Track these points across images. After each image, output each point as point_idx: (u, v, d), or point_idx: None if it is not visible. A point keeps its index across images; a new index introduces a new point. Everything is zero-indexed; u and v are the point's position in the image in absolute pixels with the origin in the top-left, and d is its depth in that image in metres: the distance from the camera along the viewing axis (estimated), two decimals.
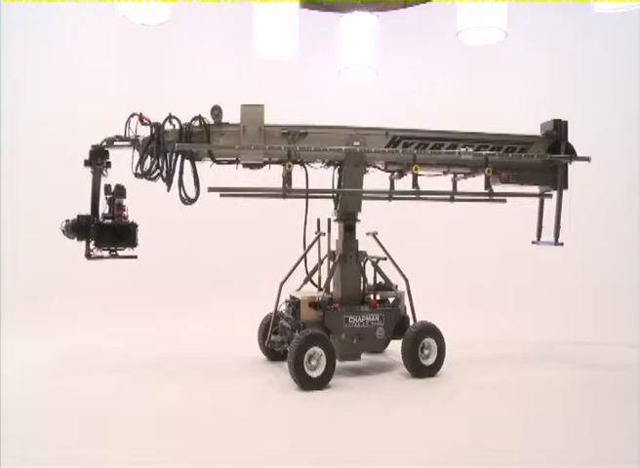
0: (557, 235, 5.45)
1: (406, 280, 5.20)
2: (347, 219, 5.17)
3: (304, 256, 5.38)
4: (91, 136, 4.92)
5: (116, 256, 4.89)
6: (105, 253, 4.86)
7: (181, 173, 4.77)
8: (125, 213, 4.90)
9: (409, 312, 5.20)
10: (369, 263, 5.28)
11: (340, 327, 4.86)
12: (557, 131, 5.39)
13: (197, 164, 4.88)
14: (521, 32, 7.52)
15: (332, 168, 5.30)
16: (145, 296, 7.29)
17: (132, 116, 4.77)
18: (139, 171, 4.77)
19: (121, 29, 7.09)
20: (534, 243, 5.83)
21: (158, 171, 4.74)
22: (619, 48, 7.82)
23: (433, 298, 6.19)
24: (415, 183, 5.05)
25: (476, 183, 5.34)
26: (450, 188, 5.48)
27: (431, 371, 4.93)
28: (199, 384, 4.70)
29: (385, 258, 5.31)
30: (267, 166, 5.10)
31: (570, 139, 5.41)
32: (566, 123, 5.42)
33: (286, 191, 4.88)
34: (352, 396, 4.43)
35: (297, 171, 4.92)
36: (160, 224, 6.87)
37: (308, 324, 4.79)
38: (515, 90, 8.38)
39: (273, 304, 5.26)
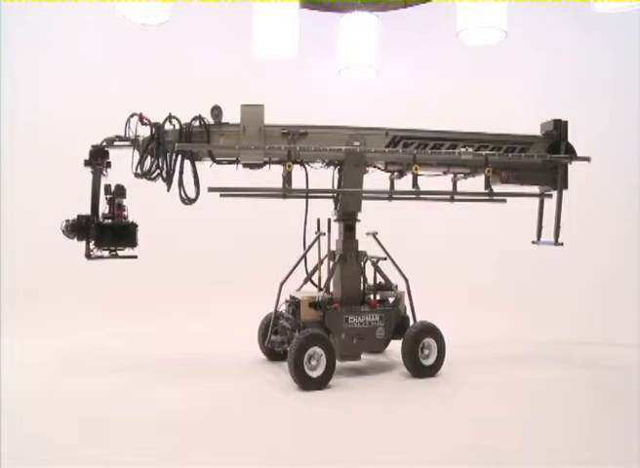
0: (557, 235, 5.45)
1: (406, 280, 5.20)
2: (347, 219, 5.17)
3: (304, 256, 5.38)
4: (91, 136, 4.92)
5: (116, 256, 4.89)
6: (105, 253, 4.86)
7: (181, 173, 4.77)
8: (125, 213, 4.90)
9: (409, 312, 5.19)
10: (369, 263, 5.28)
11: (340, 327, 4.86)
12: (557, 131, 5.39)
13: (197, 164, 4.88)
14: (521, 32, 7.53)
15: (332, 168, 5.29)
16: (145, 296, 7.29)
17: (132, 116, 4.77)
18: (139, 171, 4.77)
19: (121, 29, 7.09)
20: (534, 243, 5.83)
21: (158, 171, 4.74)
22: (619, 48, 7.83)
23: (433, 298, 6.18)
24: (415, 183, 5.05)
25: (476, 183, 5.34)
26: (450, 188, 5.48)
27: (431, 371, 4.93)
28: (199, 384, 4.70)
29: (385, 258, 5.31)
30: (267, 166, 5.10)
31: (570, 139, 5.41)
32: (566, 123, 5.42)
33: (286, 191, 4.88)
34: (352, 396, 4.43)
35: (297, 171, 4.92)
36: (160, 224, 6.87)
37: (308, 324, 4.79)
38: (515, 90, 8.38)
39: (273, 304, 5.26)
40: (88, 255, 4.80)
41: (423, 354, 4.92)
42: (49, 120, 7.63)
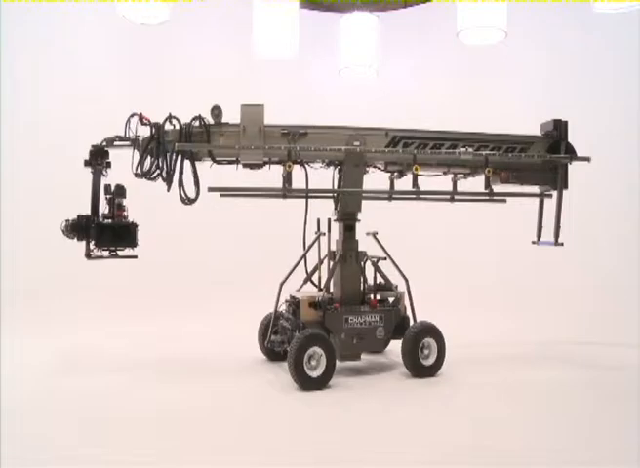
0: (557, 235, 5.45)
1: (406, 280, 5.20)
2: (347, 219, 5.17)
3: (304, 256, 5.38)
4: (91, 136, 4.92)
5: (116, 256, 4.89)
6: (105, 253, 4.86)
7: (181, 173, 4.77)
8: (125, 213, 4.90)
9: (409, 312, 5.20)
10: (369, 263, 5.28)
11: (340, 327, 4.86)
12: (557, 131, 5.39)
13: (197, 164, 4.88)
14: (521, 32, 7.53)
15: (332, 168, 5.30)
16: (145, 296, 7.29)
17: (132, 116, 4.77)
18: (139, 171, 4.77)
19: (121, 29, 7.09)
20: (534, 243, 5.83)
21: (158, 171, 4.74)
22: (619, 48, 7.83)
23: (433, 298, 6.18)
24: (415, 183, 5.05)
25: (476, 183, 5.34)
26: (450, 188, 5.48)
27: (431, 371, 4.93)
28: (199, 384, 4.70)
29: (385, 258, 5.31)
30: (267, 166, 5.10)
31: (570, 139, 5.41)
32: (566, 123, 5.42)
33: (286, 191, 4.88)
34: (352, 396, 4.43)
35: (297, 171, 4.92)
36: (160, 224, 6.87)
37: (308, 324, 4.79)
38: (515, 90, 8.38)
39: (273, 304, 5.26)
40: (88, 255, 4.80)
41: (423, 354, 4.92)
42: (49, 120, 7.63)
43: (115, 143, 4.86)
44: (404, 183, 5.31)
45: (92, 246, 4.79)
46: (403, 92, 8.79)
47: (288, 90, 8.39)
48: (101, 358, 5.54)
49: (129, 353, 5.73)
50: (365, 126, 5.07)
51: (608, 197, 7.77)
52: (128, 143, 4.85)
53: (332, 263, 5.21)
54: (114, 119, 4.97)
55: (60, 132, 7.56)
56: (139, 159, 4.77)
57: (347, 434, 3.64)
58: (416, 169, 4.99)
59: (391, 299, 5.23)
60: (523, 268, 7.92)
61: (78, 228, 4.75)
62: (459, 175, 5.55)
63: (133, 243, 4.86)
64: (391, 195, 5.36)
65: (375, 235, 5.38)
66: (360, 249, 5.21)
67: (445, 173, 5.52)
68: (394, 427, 3.77)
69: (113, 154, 4.92)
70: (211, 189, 4.69)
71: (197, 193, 4.80)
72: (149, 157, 4.74)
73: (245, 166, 5.06)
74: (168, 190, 4.75)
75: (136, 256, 4.90)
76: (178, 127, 4.75)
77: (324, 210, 5.31)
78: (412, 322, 5.12)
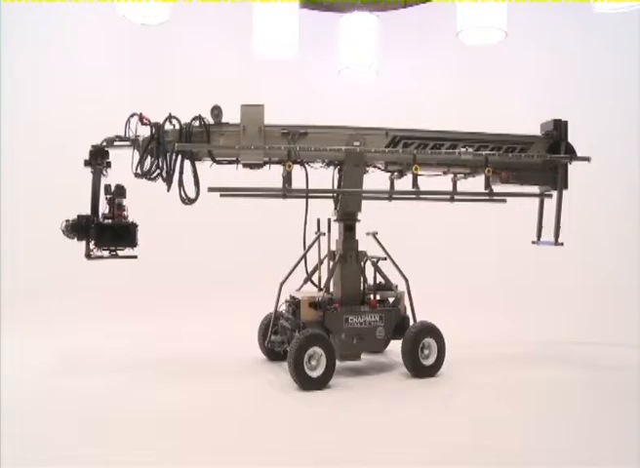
0: (557, 235, 5.45)
1: (406, 280, 5.20)
2: (347, 219, 5.17)
3: (304, 256, 5.38)
4: (91, 136, 4.92)
5: (116, 256, 4.89)
6: (105, 253, 4.86)
7: (181, 173, 4.77)
8: (125, 213, 4.90)
9: (409, 312, 5.20)
10: (369, 263, 5.28)
11: (340, 327, 4.86)
12: (557, 131, 5.39)
13: (197, 164, 4.88)
14: (521, 32, 7.52)
15: (332, 168, 5.30)
16: (145, 296, 7.29)
17: (132, 116, 4.77)
18: (139, 171, 4.77)
19: (121, 29, 7.09)
20: (534, 243, 5.83)
21: (158, 171, 4.74)
22: (619, 48, 7.82)
23: (433, 298, 6.18)
24: (415, 183, 5.05)
25: (476, 183, 5.34)
26: (450, 188, 5.48)
27: (431, 371, 4.93)
28: (199, 384, 4.70)
29: (385, 258, 5.31)
30: (267, 166, 5.10)
31: (570, 139, 5.41)
32: (566, 123, 5.42)
33: (286, 191, 4.88)
34: (352, 396, 4.43)
35: (297, 171, 4.92)
36: (160, 224, 6.87)
37: (308, 324, 4.79)
38: (515, 90, 8.38)
39: (273, 304, 5.26)
40: (88, 255, 4.80)
41: (423, 354, 4.92)
42: (49, 120, 7.63)
43: (115, 143, 4.86)
44: (404, 183, 5.31)
45: (92, 246, 4.79)
46: (403, 92, 8.79)
47: (288, 90, 8.39)
48: (101, 358, 5.54)
49: (129, 353, 5.73)
50: (365, 126, 5.06)
51: (608, 197, 7.77)
52: (128, 143, 4.84)
53: (332, 263, 5.21)
54: (114, 119, 4.97)
55: (60, 132, 7.56)
56: (139, 159, 4.77)
57: (347, 434, 3.64)
58: (416, 169, 4.99)
59: (391, 299, 5.23)
60: (523, 268, 7.92)
61: (78, 228, 4.75)
62: (459, 175, 5.55)
63: (133, 243, 4.86)
64: (391, 195, 5.36)
65: (375, 235, 5.38)
66: (360, 249, 5.21)
67: (445, 173, 5.52)
68: (394, 427, 3.77)
69: (113, 154, 4.92)
70: (211, 189, 4.69)
71: (197, 193, 4.80)
72: (149, 157, 4.74)
73: (245, 166, 5.06)
74: (168, 190, 4.75)
75: (136, 256, 4.90)
76: (178, 127, 4.75)
77: (324, 210, 5.31)
78: (412, 322, 5.12)
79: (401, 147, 5.07)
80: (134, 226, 4.87)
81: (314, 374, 4.53)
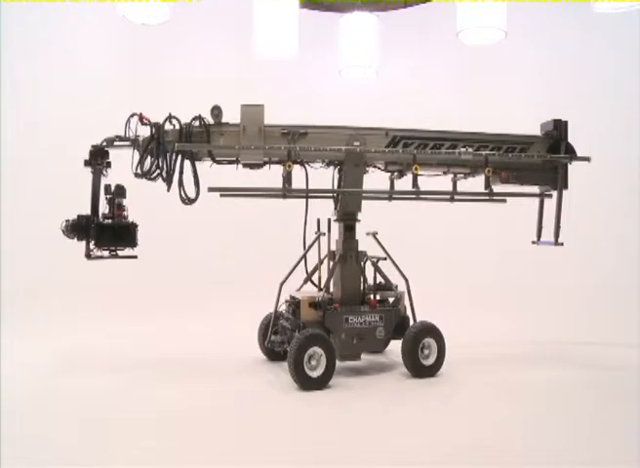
0: (557, 235, 5.45)
1: (406, 280, 5.20)
2: (347, 219, 5.17)
3: (304, 256, 5.38)
4: (91, 135, 4.92)
5: (116, 256, 4.89)
6: (105, 253, 4.86)
7: (181, 173, 4.77)
8: (125, 213, 4.90)
9: (409, 312, 5.20)
10: (369, 263, 5.28)
11: (340, 327, 4.86)
12: (557, 131, 5.39)
13: (197, 164, 4.88)
14: (521, 32, 7.52)
15: (332, 168, 5.29)
16: (145, 296, 7.29)
17: (132, 116, 4.78)
18: (139, 171, 4.78)
19: (121, 29, 7.08)
20: (534, 243, 5.83)
21: (158, 171, 4.74)
22: (619, 48, 7.82)
23: (433, 298, 6.18)
24: (415, 183, 5.05)
25: (476, 183, 5.34)
26: (450, 188, 5.48)
27: (431, 371, 4.93)
28: (199, 384, 4.70)
29: (385, 258, 5.31)
30: (267, 166, 5.10)
31: (570, 139, 5.41)
32: (566, 123, 5.42)
33: (286, 191, 4.88)
34: (352, 396, 4.43)
35: (297, 171, 4.92)
36: (160, 224, 6.87)
37: (308, 324, 4.79)
38: (515, 90, 8.38)
39: (273, 304, 5.26)
40: (88, 255, 4.80)
41: (423, 354, 4.92)
42: (49, 120, 7.62)
43: (115, 143, 4.86)
44: (404, 183, 5.31)
45: (92, 246, 4.79)
46: (403, 92, 8.78)
47: (288, 90, 8.39)
48: (101, 358, 5.55)
49: (129, 353, 5.73)
50: (365, 126, 5.07)
51: (608, 197, 7.77)
52: (128, 143, 4.85)
53: (332, 263, 5.21)
54: (114, 119, 4.97)
55: (60, 132, 7.55)
56: (139, 159, 4.77)
57: (347, 434, 3.64)
58: (416, 169, 4.99)
59: (391, 299, 5.23)
60: (523, 268, 7.92)
61: (78, 228, 4.75)
62: (459, 175, 5.55)
63: (133, 243, 4.86)
64: (391, 195, 5.36)
65: (375, 235, 5.38)
66: (360, 249, 5.21)
67: (445, 173, 5.52)
68: (394, 427, 3.77)
69: (113, 154, 4.92)
70: (211, 189, 4.69)
71: (197, 193, 4.80)
72: (149, 157, 4.74)
73: (245, 166, 5.06)
74: (168, 190, 4.75)
75: (136, 256, 4.90)
76: (178, 127, 4.75)
77: (324, 210, 5.31)
78: (412, 322, 5.12)
79: (401, 147, 5.07)
80: (134, 226, 4.87)
81: (314, 374, 4.53)
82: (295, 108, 6.42)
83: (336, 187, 5.30)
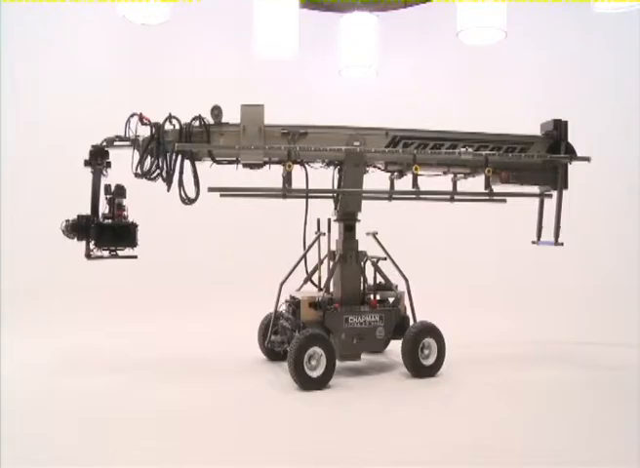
0: (557, 235, 5.45)
1: (406, 280, 5.20)
2: (347, 219, 5.17)
3: (304, 256, 5.38)
4: (91, 135, 4.92)
5: (116, 256, 4.89)
6: (105, 253, 4.86)
7: (181, 173, 4.77)
8: (125, 213, 4.90)
9: (409, 312, 5.20)
10: (369, 263, 5.28)
11: (340, 327, 4.86)
12: (557, 131, 5.39)
13: (197, 164, 4.88)
14: (521, 32, 7.52)
15: (332, 168, 5.29)
16: (145, 296, 7.29)
17: (132, 116, 4.78)
18: (139, 171, 4.78)
19: (121, 29, 7.08)
20: (534, 243, 5.83)
21: (158, 171, 4.74)
22: (619, 48, 7.82)
23: (433, 298, 6.18)
24: (415, 183, 5.05)
25: (476, 183, 5.34)
26: (450, 188, 5.48)
27: (431, 371, 4.93)
28: (199, 384, 4.70)
29: (385, 258, 5.31)
30: (267, 166, 5.10)
31: (570, 139, 5.41)
32: (566, 123, 5.42)
33: (286, 191, 4.88)
34: (352, 396, 4.43)
35: (297, 171, 4.92)
36: (160, 224, 6.87)
37: (308, 324, 4.79)
38: (515, 90, 8.38)
39: (273, 304, 5.26)
40: (88, 255, 4.80)
41: (423, 354, 4.92)
42: (49, 120, 7.62)
43: (115, 143, 4.86)
44: (404, 183, 5.31)
45: (92, 246, 4.79)
46: (403, 92, 8.78)
47: (288, 90, 8.39)
48: (101, 358, 5.55)
49: (129, 353, 5.73)
50: (365, 126, 5.07)
51: (608, 197, 7.77)
52: (128, 143, 4.85)
53: (332, 263, 5.21)
54: (114, 119, 4.97)
55: (60, 132, 7.55)
56: (139, 159, 4.77)
57: (347, 434, 3.64)
58: (416, 169, 4.99)
59: (391, 299, 5.23)
60: (523, 268, 7.91)
61: (78, 228, 4.75)
62: (459, 175, 5.55)
63: (133, 243, 4.86)
64: (391, 195, 5.36)
65: (375, 235, 5.38)
66: (360, 249, 5.21)
67: (445, 173, 5.52)
68: (394, 427, 3.77)
69: (113, 154, 4.92)
70: (211, 189, 4.69)
71: (197, 193, 4.80)
72: (149, 157, 4.74)
73: (245, 166, 5.06)
74: (168, 190, 4.75)
75: (136, 256, 4.90)
76: (178, 127, 4.75)
77: (324, 210, 5.31)
78: (412, 322, 5.12)
79: (401, 147, 5.07)
80: (134, 226, 4.87)
81: (314, 374, 4.53)
82: (295, 108, 6.42)
83: (336, 187, 5.30)
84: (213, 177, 4.79)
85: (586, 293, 7.35)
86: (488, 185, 5.15)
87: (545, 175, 5.43)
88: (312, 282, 5.41)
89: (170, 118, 4.74)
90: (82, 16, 7.85)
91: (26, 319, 6.57)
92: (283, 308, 5.32)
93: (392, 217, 6.42)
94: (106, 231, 4.80)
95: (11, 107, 7.49)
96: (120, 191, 4.88)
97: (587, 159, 5.36)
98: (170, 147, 4.70)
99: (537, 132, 5.56)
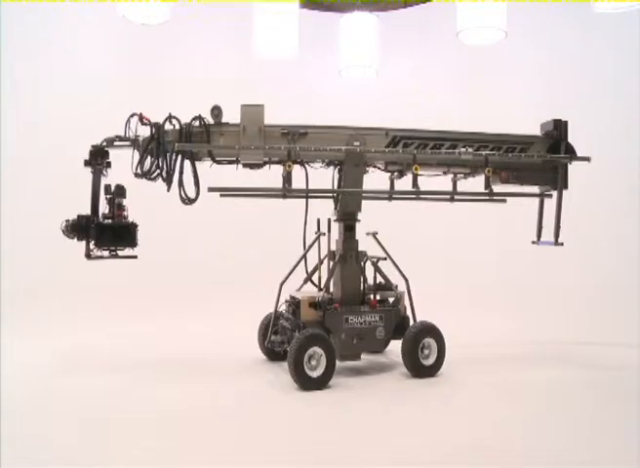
0: (557, 235, 5.45)
1: (406, 280, 5.20)
2: (347, 219, 5.17)
3: (304, 256, 5.38)
4: (91, 136, 4.92)
5: (116, 256, 4.89)
6: (105, 253, 4.86)
7: (181, 173, 4.77)
8: (125, 213, 4.90)
9: (409, 312, 5.20)
10: (369, 263, 5.28)
11: (340, 327, 4.86)
12: (557, 131, 5.39)
13: (197, 164, 4.88)
14: (521, 32, 7.52)
15: (332, 168, 5.29)
16: (145, 296, 7.29)
17: (132, 116, 4.78)
18: (139, 171, 4.78)
19: (121, 29, 7.09)
20: (534, 243, 5.83)
21: (158, 171, 4.74)
22: (619, 48, 7.82)
23: (433, 298, 6.18)
24: (415, 183, 5.05)
25: (476, 183, 5.34)
26: (450, 188, 5.48)
27: (431, 371, 4.93)
28: (199, 384, 4.70)
29: (385, 258, 5.31)
30: (267, 166, 5.10)
31: (570, 139, 5.41)
32: (566, 123, 5.42)
33: (286, 191, 4.88)
34: (352, 396, 4.43)
35: (297, 171, 4.92)
36: (160, 224, 6.87)
37: (308, 324, 4.79)
38: (515, 90, 8.38)
39: (273, 304, 5.26)
40: (88, 255, 4.80)
41: (423, 354, 4.92)
42: (49, 120, 7.62)
43: (115, 143, 4.86)
44: (404, 183, 5.31)
45: (92, 246, 4.79)
46: (403, 92, 8.79)
47: (288, 90, 8.39)
48: (101, 358, 5.55)
49: (129, 353, 5.73)
50: (365, 126, 5.07)
51: (608, 197, 7.77)
52: (128, 143, 4.85)
53: (332, 263, 5.21)
54: (114, 119, 4.97)
55: (60, 132, 7.55)
56: (139, 159, 4.77)
57: (347, 434, 3.64)
58: (416, 169, 4.99)
59: (391, 299, 5.23)
60: (523, 268, 7.92)
61: (78, 228, 4.75)
62: (459, 175, 5.55)
63: (133, 243, 4.86)
64: (391, 195, 5.36)
65: (375, 235, 5.38)
66: (360, 249, 5.21)
67: (445, 173, 5.52)
68: (394, 427, 3.77)
69: (113, 154, 4.92)
70: (211, 189, 4.69)
71: (197, 193, 4.80)
72: (149, 157, 4.74)
73: (245, 166, 5.06)
74: (168, 190, 4.75)
75: (136, 256, 4.90)
76: (178, 127, 4.75)
77: (324, 210, 5.31)
78: (412, 322, 5.12)
79: (401, 147, 5.07)
80: (134, 226, 4.87)
81: (314, 374, 4.53)
82: (295, 108, 6.42)
83: (336, 187, 5.30)
84: (213, 177, 4.79)
85: (586, 293, 7.35)
86: (488, 185, 5.15)
87: (545, 175, 5.43)
88: (312, 282, 5.41)
89: (170, 118, 4.74)
90: (82, 16, 7.85)
91: (26, 319, 6.57)
92: (283, 308, 5.32)
93: (392, 217, 6.42)
94: (106, 231, 4.80)
95: (11, 107, 7.49)
96: (120, 191, 4.88)
97: (587, 159, 5.36)
98: (170, 147, 4.70)
99: (537, 132, 5.56)
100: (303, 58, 6.59)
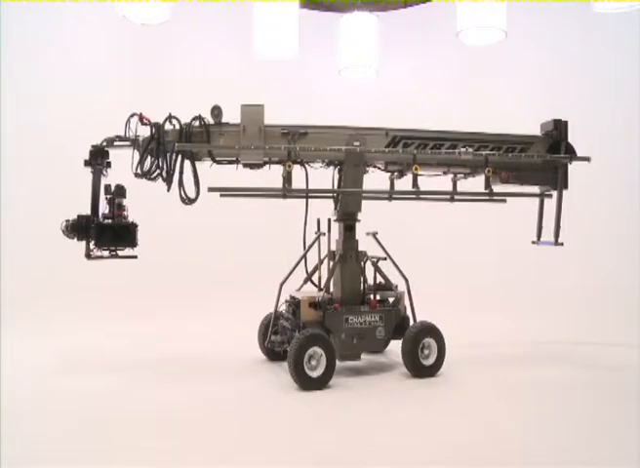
0: (557, 235, 5.45)
1: (406, 280, 5.20)
2: (347, 219, 5.17)
3: (304, 256, 5.38)
4: (91, 136, 4.92)
5: (116, 256, 4.89)
6: (105, 253, 4.86)
7: (181, 173, 4.77)
8: (125, 213, 4.90)
9: (409, 312, 5.20)
10: (369, 263, 5.28)
11: (340, 327, 4.86)
12: (557, 131, 5.39)
13: (197, 164, 4.88)
14: (521, 32, 7.52)
15: (332, 168, 5.30)
16: (145, 296, 7.29)
17: (132, 116, 4.78)
18: (139, 171, 4.78)
19: (121, 29, 7.09)
20: (534, 243, 5.83)
21: (158, 171, 4.74)
22: (619, 48, 7.82)
23: (433, 298, 6.18)
24: (415, 183, 5.05)
25: (476, 183, 5.34)
26: (450, 188, 5.48)
27: (431, 371, 4.93)
28: (199, 384, 4.70)
29: (385, 258, 5.31)
30: (267, 166, 5.11)
31: (570, 139, 5.41)
32: (566, 123, 5.42)
33: (286, 191, 4.88)
34: (352, 396, 4.43)
35: (297, 171, 4.92)
36: (160, 224, 6.87)
37: (308, 324, 4.79)
38: (515, 90, 8.38)
39: (273, 304, 5.26)
40: (88, 255, 4.80)
41: (423, 354, 4.92)
42: (49, 120, 7.62)
43: (115, 143, 4.86)
44: (404, 183, 5.31)
45: (92, 246, 4.79)
46: (403, 92, 8.79)
47: (288, 90, 8.39)
48: (101, 358, 5.55)
49: (129, 353, 5.73)
50: (365, 126, 5.07)
51: (608, 197, 7.77)
52: (128, 143, 4.85)
53: (332, 263, 5.21)
54: (114, 119, 4.97)
55: (60, 132, 7.55)
56: (139, 159, 4.77)
57: (347, 434, 3.64)
58: (416, 169, 4.99)
59: (391, 299, 5.23)
60: (523, 268, 7.92)
61: (78, 228, 4.75)
62: (459, 175, 5.55)
63: (133, 243, 4.86)
64: (391, 195, 5.36)
65: (375, 235, 5.38)
66: (360, 249, 5.21)
67: (445, 173, 5.52)
68: (394, 427, 3.77)
69: (113, 154, 4.92)
70: (211, 189, 4.69)
71: (197, 193, 4.80)
72: (149, 157, 4.74)
73: (245, 166, 5.06)
74: (168, 190, 4.75)
75: (136, 256, 4.90)
76: (178, 127, 4.75)
77: (324, 210, 5.31)
78: (412, 322, 5.12)
79: (401, 147, 5.07)
80: (134, 226, 4.87)
81: (314, 374, 4.53)
82: (295, 108, 6.42)
83: (336, 187, 5.30)
84: (213, 177, 4.79)
85: (586, 293, 7.35)
86: (488, 185, 5.15)
87: (545, 175, 5.43)
88: (312, 282, 5.41)
89: (170, 118, 4.74)
90: (82, 16, 7.85)
91: (26, 319, 6.57)
92: (283, 308, 5.32)
93: (392, 217, 6.42)
94: (106, 231, 4.80)
95: (11, 107, 7.49)
96: (120, 191, 4.88)
97: (587, 159, 5.36)
98: (170, 147, 4.70)
99: (537, 132, 5.56)
100: (303, 58, 6.59)
